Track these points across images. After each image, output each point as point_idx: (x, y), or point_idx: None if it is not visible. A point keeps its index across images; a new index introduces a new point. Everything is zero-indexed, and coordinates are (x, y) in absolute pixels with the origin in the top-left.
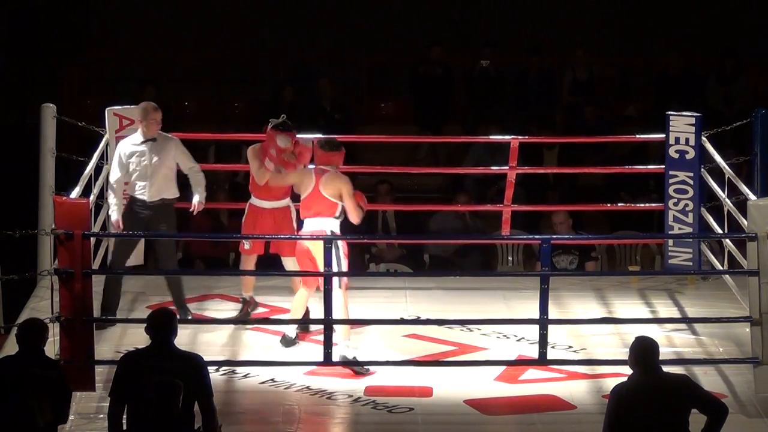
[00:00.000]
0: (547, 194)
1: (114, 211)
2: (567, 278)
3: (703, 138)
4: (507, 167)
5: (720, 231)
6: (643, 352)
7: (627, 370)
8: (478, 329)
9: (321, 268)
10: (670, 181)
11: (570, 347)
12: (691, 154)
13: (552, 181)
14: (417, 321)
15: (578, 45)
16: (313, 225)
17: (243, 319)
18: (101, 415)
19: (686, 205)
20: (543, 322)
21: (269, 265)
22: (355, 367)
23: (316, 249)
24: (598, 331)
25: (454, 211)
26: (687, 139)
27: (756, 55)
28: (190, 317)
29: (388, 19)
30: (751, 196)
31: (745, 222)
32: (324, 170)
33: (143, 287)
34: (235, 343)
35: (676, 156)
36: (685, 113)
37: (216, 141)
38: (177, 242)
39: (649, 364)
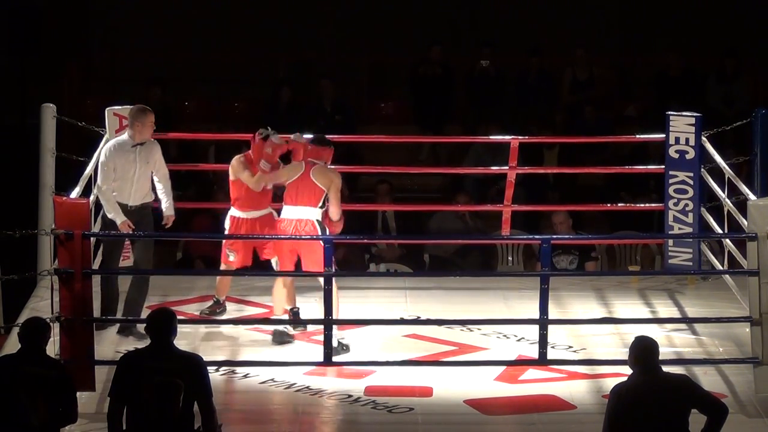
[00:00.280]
0: (547, 194)
1: (117, 215)
2: (567, 278)
3: (703, 138)
4: (507, 167)
5: (720, 231)
6: (643, 351)
7: (627, 370)
8: (478, 329)
9: (305, 258)
10: (670, 181)
11: (570, 347)
12: (691, 154)
13: (552, 181)
14: (417, 321)
15: (578, 45)
16: (296, 213)
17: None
18: (101, 415)
19: (686, 205)
20: (543, 322)
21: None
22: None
23: (303, 242)
24: (598, 331)
25: (454, 211)
26: (687, 139)
27: (756, 55)
28: (131, 333)
29: (388, 19)
30: (751, 196)
31: (745, 222)
32: (315, 162)
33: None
34: (235, 343)
35: (676, 156)
36: (685, 113)
37: (216, 141)
38: (177, 242)
39: (649, 364)
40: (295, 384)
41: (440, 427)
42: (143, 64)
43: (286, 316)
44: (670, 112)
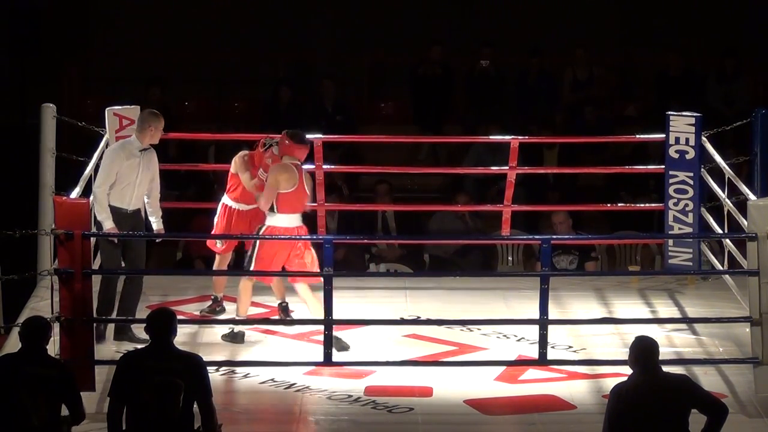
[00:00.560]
0: (547, 194)
1: (107, 219)
2: (567, 278)
3: (703, 138)
4: (507, 167)
5: (720, 231)
6: (643, 351)
7: (627, 370)
8: (478, 329)
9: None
10: (670, 181)
11: (570, 347)
12: (691, 154)
13: (552, 181)
14: (417, 321)
15: (578, 45)
16: (296, 221)
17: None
18: (101, 415)
19: (686, 205)
20: (543, 322)
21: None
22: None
23: (301, 249)
24: (598, 331)
25: (454, 211)
26: (687, 139)
27: (756, 55)
28: (127, 339)
29: (388, 19)
30: (751, 196)
31: (745, 222)
32: (298, 165)
33: (143, 287)
34: (236, 343)
35: (676, 156)
36: (685, 113)
37: (216, 141)
38: (177, 242)
39: (649, 364)
40: (295, 384)
41: (440, 427)
42: (143, 64)
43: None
44: (670, 112)
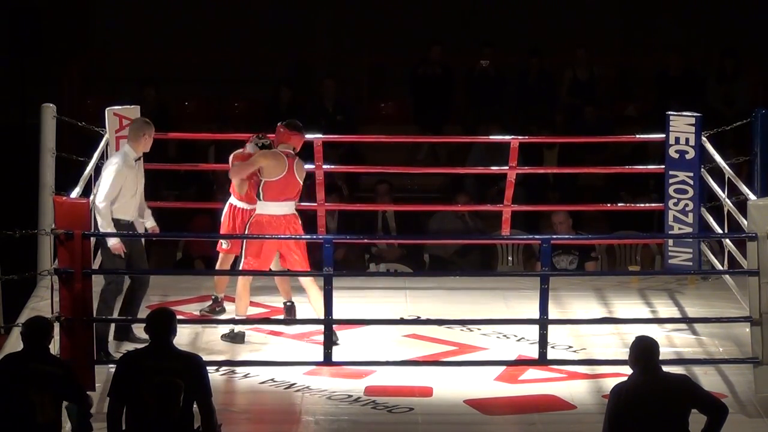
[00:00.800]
0: (547, 194)
1: (113, 236)
2: (567, 278)
3: (703, 138)
4: (507, 167)
5: (720, 231)
6: (643, 351)
7: (627, 370)
8: (478, 329)
9: (290, 254)
10: (670, 181)
11: (570, 347)
12: (691, 154)
13: (552, 181)
14: (417, 321)
15: (578, 45)
16: (283, 209)
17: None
18: (101, 415)
19: (686, 205)
20: (543, 322)
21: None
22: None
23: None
24: (598, 331)
25: (454, 211)
26: (687, 139)
27: (756, 55)
28: (130, 337)
29: (388, 19)
30: (751, 196)
31: (745, 222)
32: (291, 154)
33: None
34: (236, 343)
35: (676, 156)
36: (685, 113)
37: (216, 141)
38: (177, 242)
39: (649, 364)
40: (295, 384)
41: (440, 427)
42: (143, 64)
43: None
44: (670, 112)
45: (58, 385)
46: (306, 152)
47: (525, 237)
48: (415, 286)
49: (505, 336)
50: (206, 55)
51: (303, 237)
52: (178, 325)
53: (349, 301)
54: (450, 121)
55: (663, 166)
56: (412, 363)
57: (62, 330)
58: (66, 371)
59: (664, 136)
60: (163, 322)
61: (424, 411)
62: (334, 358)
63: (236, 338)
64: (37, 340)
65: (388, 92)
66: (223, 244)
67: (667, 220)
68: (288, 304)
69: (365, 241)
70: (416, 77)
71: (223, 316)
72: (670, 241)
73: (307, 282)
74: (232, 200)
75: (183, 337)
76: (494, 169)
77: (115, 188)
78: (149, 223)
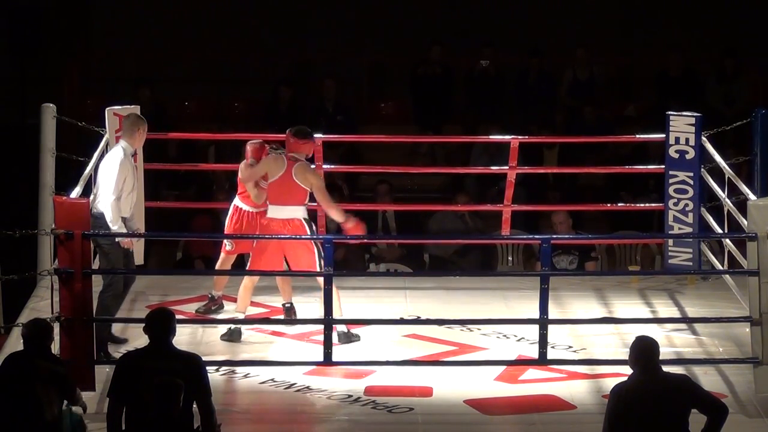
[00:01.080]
0: (547, 194)
1: (121, 228)
2: (567, 278)
3: (703, 138)
4: (507, 167)
5: (720, 231)
6: (643, 351)
7: (627, 370)
8: (478, 329)
9: (294, 258)
10: (670, 181)
11: (570, 347)
12: (691, 154)
13: (552, 181)
14: (417, 321)
15: (578, 45)
16: (283, 213)
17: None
18: (101, 415)
19: (686, 205)
20: (543, 322)
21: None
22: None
23: (292, 242)
24: (598, 331)
25: (454, 211)
26: (687, 139)
27: (756, 55)
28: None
29: (388, 19)
30: (751, 196)
31: (745, 222)
32: (296, 158)
33: (143, 287)
34: (235, 343)
35: (676, 156)
36: (685, 113)
37: (216, 141)
38: (177, 242)
39: (649, 363)
40: (295, 384)
41: (440, 427)
42: (143, 64)
43: (241, 315)
44: (670, 112)
45: (62, 383)
46: None
47: (525, 237)
48: (415, 286)
49: (505, 336)
50: (206, 55)
51: (303, 237)
52: (178, 325)
53: (349, 301)
54: (450, 121)
55: (663, 166)
56: (412, 363)
57: (62, 330)
58: (67, 370)
59: (664, 136)
60: (162, 322)
61: (424, 411)
62: (334, 358)
63: (233, 335)
64: (39, 340)
65: (388, 92)
66: (227, 245)
67: (667, 220)
68: (287, 305)
69: (365, 241)
70: (416, 77)
71: (221, 315)
72: (670, 241)
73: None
74: (237, 202)
75: (183, 336)
76: (494, 169)
77: (118, 183)
78: (138, 223)
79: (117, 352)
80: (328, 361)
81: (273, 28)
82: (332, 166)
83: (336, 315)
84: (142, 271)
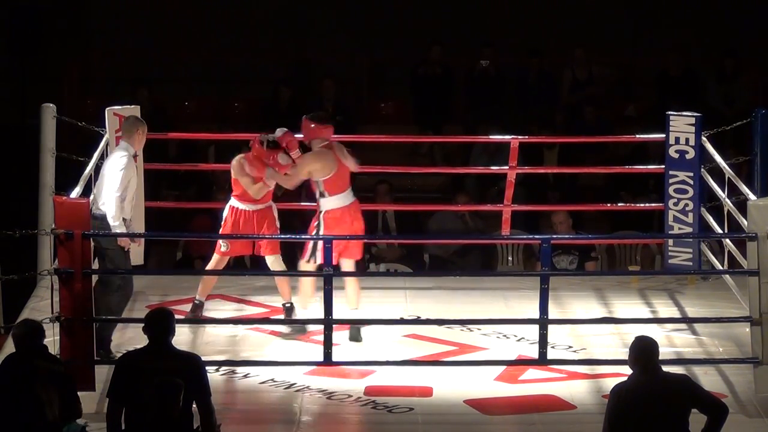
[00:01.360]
0: (547, 194)
1: (122, 227)
2: (567, 278)
3: (703, 138)
4: (507, 167)
5: (720, 231)
6: (643, 351)
7: (627, 370)
8: (478, 329)
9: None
10: (670, 181)
11: (570, 347)
12: (691, 154)
13: (552, 181)
14: (417, 321)
15: (578, 45)
16: (349, 197)
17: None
18: (101, 415)
19: (686, 205)
20: (543, 322)
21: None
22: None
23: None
24: (598, 331)
25: (454, 211)
26: (687, 139)
27: (756, 55)
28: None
29: (388, 19)
30: (751, 196)
31: (745, 222)
32: (330, 144)
33: (143, 287)
34: (235, 343)
35: (676, 156)
36: (685, 113)
37: (216, 141)
38: (177, 242)
39: (648, 363)
40: (295, 384)
41: (440, 427)
42: (143, 64)
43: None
44: (670, 112)
45: (61, 383)
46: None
47: (525, 237)
48: (415, 286)
49: (505, 336)
50: (206, 55)
51: (303, 237)
52: (178, 325)
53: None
54: (450, 121)
55: (663, 166)
56: (412, 363)
57: (62, 330)
58: (65, 369)
59: (664, 136)
60: (161, 322)
61: (424, 411)
62: (334, 358)
63: (299, 331)
64: (30, 340)
65: (388, 92)
66: (222, 247)
67: (667, 220)
68: (287, 305)
69: (365, 241)
70: (416, 77)
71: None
72: (670, 241)
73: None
74: (233, 202)
75: (183, 336)
76: (494, 169)
77: (125, 181)
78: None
79: (117, 352)
80: (328, 361)
81: (273, 28)
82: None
83: (353, 306)
84: (142, 271)
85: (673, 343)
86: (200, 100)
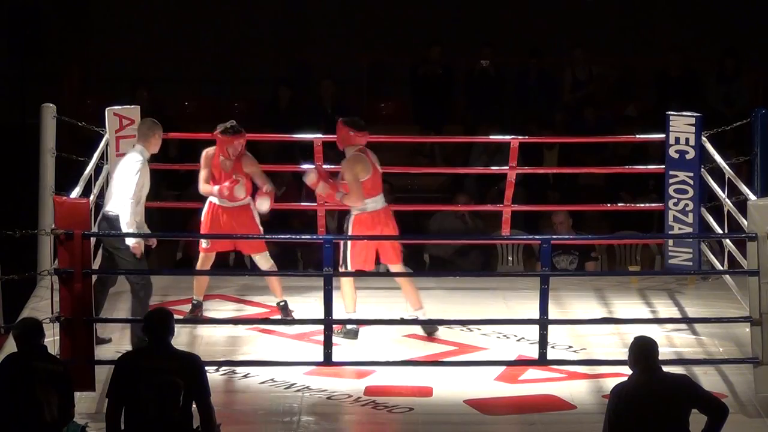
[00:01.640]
0: (547, 194)
1: (135, 238)
2: (567, 278)
3: (703, 138)
4: (507, 167)
5: (720, 231)
6: (643, 352)
7: (627, 370)
8: (478, 329)
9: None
10: (670, 181)
11: (570, 347)
12: (691, 154)
13: (552, 181)
14: (417, 321)
15: (578, 45)
16: (378, 203)
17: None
18: (101, 415)
19: (686, 205)
20: (543, 322)
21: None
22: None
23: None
24: (598, 331)
25: (454, 211)
26: (687, 139)
27: (756, 55)
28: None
29: (388, 19)
30: (751, 196)
31: (745, 222)
32: (364, 149)
33: None
34: (235, 343)
35: (676, 156)
36: (685, 113)
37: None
38: (177, 242)
39: (648, 363)
40: (295, 384)
41: (440, 427)
42: (143, 64)
43: (352, 315)
44: (670, 112)
45: (61, 383)
46: (306, 152)
47: (525, 237)
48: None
49: (505, 336)
50: (206, 55)
51: (303, 237)
52: (177, 325)
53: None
54: (450, 121)
55: (663, 166)
56: (412, 363)
57: (62, 330)
58: (65, 370)
59: (664, 136)
60: (161, 322)
61: (424, 411)
62: (334, 358)
63: (349, 334)
64: (30, 339)
65: (388, 92)
66: (203, 243)
67: (667, 220)
68: (281, 303)
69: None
70: (416, 77)
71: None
72: (670, 241)
73: (401, 278)
74: (212, 198)
75: (182, 336)
76: (494, 169)
77: (140, 186)
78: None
79: (117, 352)
80: (328, 361)
81: (273, 28)
82: (332, 166)
83: (416, 308)
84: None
85: (673, 343)
86: (200, 100)
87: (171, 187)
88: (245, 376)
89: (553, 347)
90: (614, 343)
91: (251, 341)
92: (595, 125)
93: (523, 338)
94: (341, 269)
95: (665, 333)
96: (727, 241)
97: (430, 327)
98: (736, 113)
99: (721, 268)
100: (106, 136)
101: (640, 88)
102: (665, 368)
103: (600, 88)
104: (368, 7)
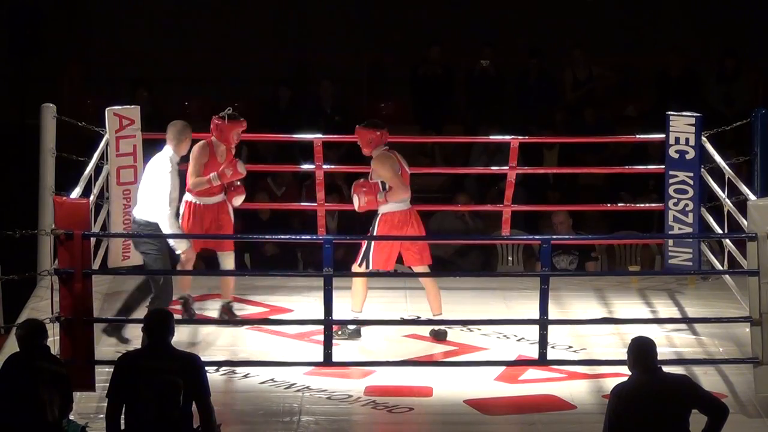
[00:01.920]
0: (547, 194)
1: (181, 240)
2: (567, 278)
3: (703, 138)
4: (507, 167)
5: (720, 231)
6: (641, 352)
7: (627, 370)
8: (478, 329)
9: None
10: (670, 181)
11: (570, 347)
12: (691, 154)
13: (552, 181)
14: (417, 321)
15: (578, 45)
16: (404, 204)
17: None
18: (101, 415)
19: (686, 205)
20: (543, 322)
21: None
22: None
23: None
24: (598, 331)
25: (454, 211)
26: (687, 139)
27: (756, 55)
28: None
29: (388, 19)
30: (751, 196)
31: (745, 222)
32: (392, 150)
33: None
34: (235, 343)
35: (676, 156)
36: (685, 113)
37: None
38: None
39: (648, 364)
40: (295, 384)
41: (440, 427)
42: (143, 64)
43: (358, 314)
44: (670, 112)
45: (62, 384)
46: (306, 152)
47: (525, 237)
48: (415, 286)
49: (505, 336)
50: (206, 55)
51: (303, 238)
52: (177, 325)
53: (349, 301)
54: (450, 121)
55: (663, 166)
56: (412, 363)
57: (62, 330)
58: (65, 370)
59: (664, 136)
60: (160, 322)
61: (424, 411)
62: (334, 358)
63: (353, 335)
64: (34, 340)
65: (388, 92)
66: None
67: (667, 220)
68: (228, 304)
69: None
70: (416, 77)
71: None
72: (670, 241)
73: (426, 279)
74: (188, 197)
75: (183, 336)
76: (494, 169)
77: (168, 193)
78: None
79: (117, 352)
80: (328, 361)
81: (273, 28)
82: (332, 167)
83: (436, 313)
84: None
85: (673, 343)
86: (200, 100)
87: None
88: (245, 376)
89: (553, 347)
90: (614, 343)
91: (251, 341)
92: (595, 125)
93: (523, 338)
94: (362, 267)
95: (665, 333)
96: (727, 241)
97: (439, 331)
98: (736, 113)
99: (721, 268)
100: (106, 136)
101: (640, 88)
102: (665, 368)
103: (600, 88)
104: (368, 7)
